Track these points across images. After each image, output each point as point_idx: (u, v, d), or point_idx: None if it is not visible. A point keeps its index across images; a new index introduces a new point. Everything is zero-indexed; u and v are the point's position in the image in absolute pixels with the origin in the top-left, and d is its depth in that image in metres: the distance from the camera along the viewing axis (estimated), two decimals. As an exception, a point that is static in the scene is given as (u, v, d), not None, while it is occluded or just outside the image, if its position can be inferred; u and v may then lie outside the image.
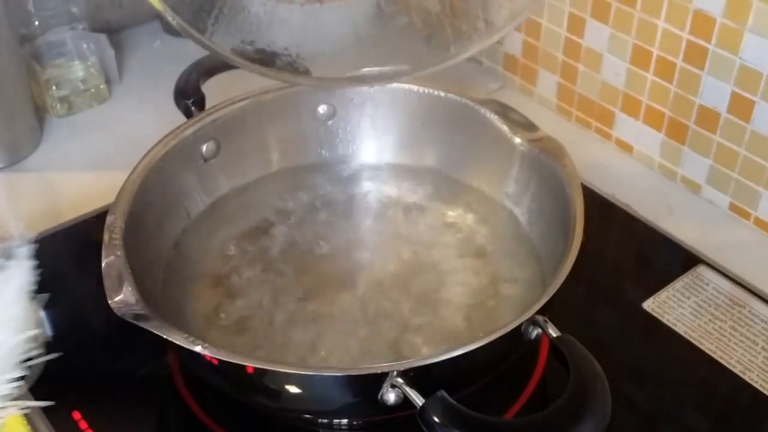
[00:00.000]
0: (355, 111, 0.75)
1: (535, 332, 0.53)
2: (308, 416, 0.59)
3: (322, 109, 0.74)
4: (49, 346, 0.62)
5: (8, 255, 0.44)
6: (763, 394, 0.62)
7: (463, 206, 0.72)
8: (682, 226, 0.76)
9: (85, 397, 0.62)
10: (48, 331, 0.59)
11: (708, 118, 0.76)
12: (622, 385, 0.62)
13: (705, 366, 0.64)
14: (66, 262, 0.75)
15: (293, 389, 0.53)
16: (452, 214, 0.72)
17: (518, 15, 0.47)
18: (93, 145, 0.87)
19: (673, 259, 0.73)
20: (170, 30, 1.04)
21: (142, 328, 0.52)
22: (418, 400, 0.48)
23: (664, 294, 0.69)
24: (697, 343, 0.65)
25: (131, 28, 1.05)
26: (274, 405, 0.56)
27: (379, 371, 0.50)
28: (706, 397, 0.63)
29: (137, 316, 0.52)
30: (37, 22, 0.87)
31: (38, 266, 0.74)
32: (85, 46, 0.90)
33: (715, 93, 0.74)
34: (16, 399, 0.49)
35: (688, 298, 0.69)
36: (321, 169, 0.75)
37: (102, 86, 0.92)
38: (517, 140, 0.68)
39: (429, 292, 0.65)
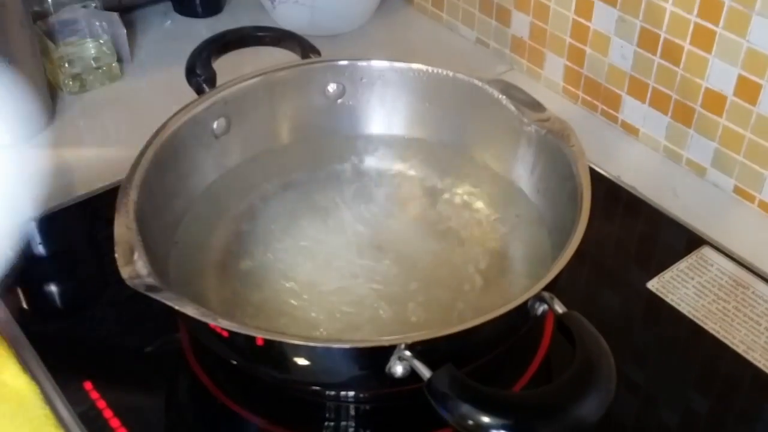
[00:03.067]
0: (364, 90, 0.75)
1: (542, 308, 0.54)
2: (316, 388, 0.59)
3: (331, 87, 0.75)
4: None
5: None
6: (766, 374, 0.62)
7: (470, 184, 0.73)
8: (686, 209, 0.77)
9: (97, 368, 0.63)
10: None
11: (714, 101, 0.77)
12: (626, 362, 0.63)
13: (708, 345, 0.65)
14: (78, 236, 0.76)
15: (301, 361, 0.53)
16: (460, 191, 0.72)
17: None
18: (104, 122, 0.88)
19: (678, 240, 0.74)
20: (181, 9, 1.05)
21: (153, 302, 0.52)
22: (426, 372, 0.48)
23: (668, 274, 0.70)
24: (700, 323, 0.66)
25: (143, 7, 1.05)
26: (282, 377, 0.57)
27: (387, 344, 0.50)
28: (709, 375, 0.64)
29: (149, 288, 0.53)
30: (50, 0, 0.87)
31: (50, 240, 0.75)
32: (97, 24, 0.90)
33: (722, 76, 0.75)
34: None
35: (692, 279, 0.70)
36: (330, 146, 0.76)
37: (114, 64, 0.92)
38: (525, 120, 0.68)
39: (436, 267, 0.66)
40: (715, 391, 0.63)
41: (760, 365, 0.63)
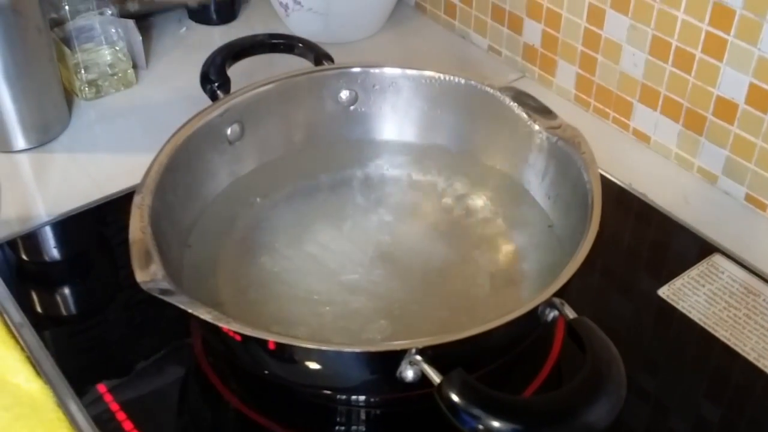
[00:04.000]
0: (377, 97, 0.76)
1: (552, 314, 0.54)
2: (327, 392, 0.60)
3: (344, 94, 0.75)
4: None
5: None
6: (776, 381, 0.62)
7: (481, 191, 0.73)
8: (698, 216, 0.77)
9: (111, 371, 0.63)
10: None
11: (726, 109, 0.77)
12: (636, 369, 0.63)
13: (719, 352, 0.65)
14: (92, 240, 0.77)
15: (312, 365, 0.54)
16: (471, 198, 0.73)
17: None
18: (119, 128, 0.88)
19: (689, 248, 0.74)
20: (196, 17, 1.06)
21: (166, 305, 0.53)
22: (437, 377, 0.49)
23: (679, 281, 0.70)
24: (711, 330, 0.66)
25: (158, 14, 1.06)
26: (294, 380, 0.58)
27: (398, 348, 0.50)
28: (720, 383, 0.63)
29: (164, 291, 0.53)
30: (67, 7, 0.88)
31: (65, 245, 0.76)
32: (113, 31, 0.91)
33: (734, 84, 0.75)
34: None
35: (703, 286, 0.70)
36: (342, 152, 0.76)
37: (129, 71, 0.93)
38: (536, 127, 0.69)
39: (448, 271, 0.66)
40: (726, 398, 0.63)
41: (770, 373, 0.63)
